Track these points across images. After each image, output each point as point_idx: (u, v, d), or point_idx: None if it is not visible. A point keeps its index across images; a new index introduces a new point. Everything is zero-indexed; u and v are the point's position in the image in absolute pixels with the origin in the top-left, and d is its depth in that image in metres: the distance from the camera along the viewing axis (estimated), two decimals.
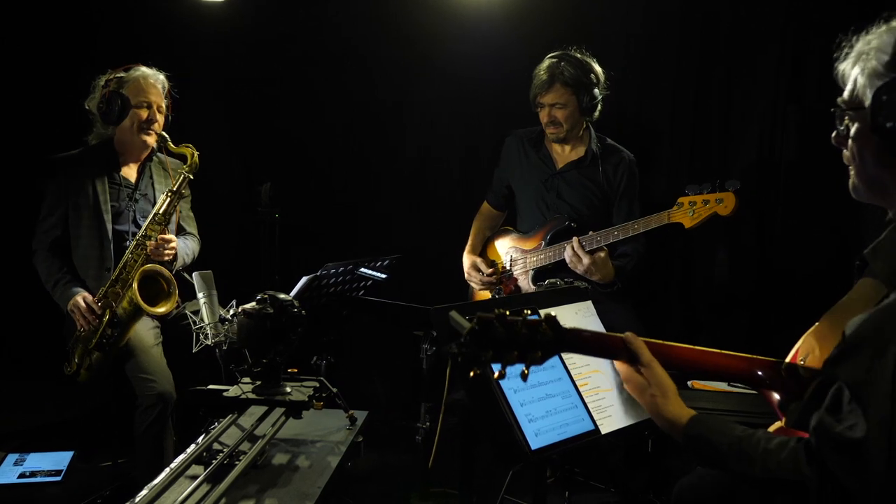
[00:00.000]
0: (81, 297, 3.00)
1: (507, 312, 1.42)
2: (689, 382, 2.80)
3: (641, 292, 3.48)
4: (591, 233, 3.12)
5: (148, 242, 2.99)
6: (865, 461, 1.16)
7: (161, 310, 2.96)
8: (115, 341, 3.00)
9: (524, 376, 1.44)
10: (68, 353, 3.08)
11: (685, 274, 3.96)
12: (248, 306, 2.00)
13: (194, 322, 2.71)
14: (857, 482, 1.17)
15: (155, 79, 3.13)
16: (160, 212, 3.04)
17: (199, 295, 2.78)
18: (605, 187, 3.34)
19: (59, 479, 3.24)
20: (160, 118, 3.12)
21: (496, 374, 1.42)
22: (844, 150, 1.45)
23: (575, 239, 3.09)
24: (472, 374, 1.43)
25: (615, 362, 1.64)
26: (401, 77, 4.21)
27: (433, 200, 4.30)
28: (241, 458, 1.74)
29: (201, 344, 2.66)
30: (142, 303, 2.89)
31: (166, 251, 3.03)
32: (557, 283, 2.36)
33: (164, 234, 3.04)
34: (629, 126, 3.84)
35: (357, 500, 3.09)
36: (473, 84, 4.09)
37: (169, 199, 3.05)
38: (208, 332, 2.66)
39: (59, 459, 3.36)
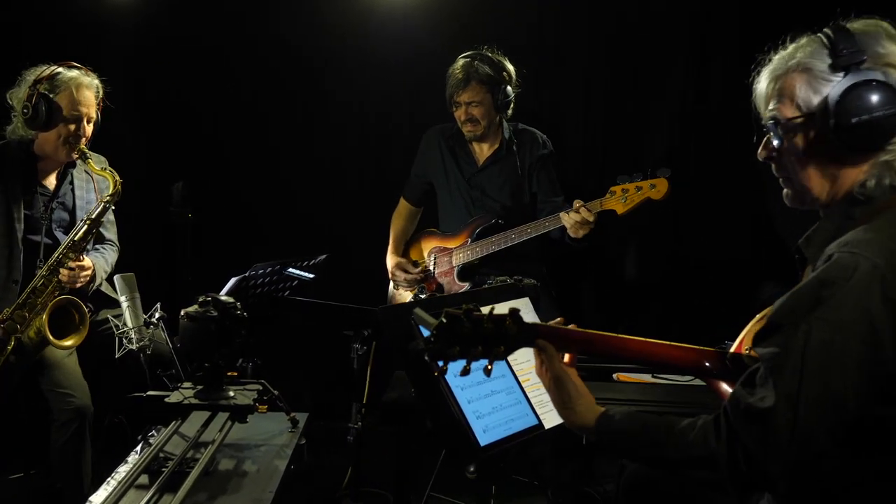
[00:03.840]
0: None
1: (472, 308, 1.43)
2: (614, 375, 2.87)
3: (557, 284, 3.56)
4: (524, 226, 3.17)
5: (61, 270, 2.83)
6: (772, 431, 1.25)
7: (69, 343, 2.80)
8: (17, 369, 2.82)
9: (487, 371, 1.46)
10: None
11: (599, 266, 4.08)
12: (190, 309, 1.93)
13: (117, 326, 2.61)
14: (765, 451, 1.26)
15: (90, 87, 2.93)
16: (76, 239, 2.86)
17: (122, 298, 2.69)
18: (525, 172, 3.41)
19: None
20: (89, 130, 2.95)
21: (461, 371, 1.43)
22: (773, 165, 1.54)
23: (577, 202, 2.99)
24: (436, 373, 1.43)
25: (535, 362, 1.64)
26: (317, 74, 4.15)
27: (349, 200, 4.26)
28: (190, 465, 1.69)
29: (125, 349, 2.57)
30: (50, 336, 2.74)
31: (80, 278, 2.88)
32: (508, 280, 2.40)
33: (80, 260, 2.87)
34: (543, 122, 3.92)
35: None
36: (389, 82, 4.10)
37: (87, 226, 2.88)
38: (132, 336, 2.57)
39: None
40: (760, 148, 1.53)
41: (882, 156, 1.39)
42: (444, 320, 1.38)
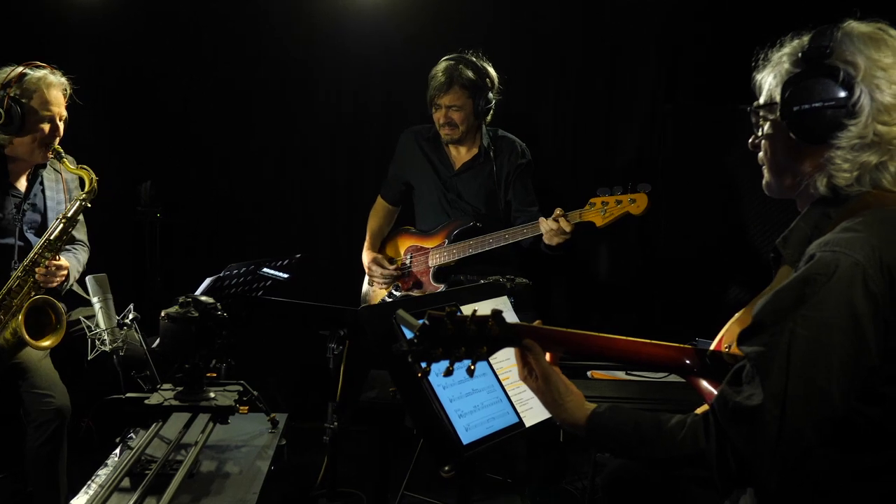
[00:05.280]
0: None
1: (455, 309, 1.44)
2: (588, 373, 2.90)
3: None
4: (502, 231, 3.18)
5: (37, 269, 2.80)
6: (760, 429, 1.27)
7: (46, 343, 2.77)
8: None
9: (471, 372, 1.47)
10: None
11: (571, 267, 4.11)
12: (171, 310, 1.92)
13: (89, 328, 2.58)
14: (753, 449, 1.28)
15: (58, 86, 2.89)
16: (51, 238, 2.83)
17: (94, 299, 2.65)
18: (502, 180, 3.41)
19: None
20: (61, 129, 2.92)
21: (444, 372, 1.44)
22: (759, 153, 1.58)
23: (558, 210, 3.01)
24: (419, 374, 1.44)
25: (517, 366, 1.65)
26: (292, 71, 4.12)
27: (322, 200, 4.23)
28: (173, 468, 1.68)
29: (97, 350, 2.53)
30: (27, 337, 2.70)
31: (58, 277, 2.85)
32: (500, 279, 2.40)
33: (56, 259, 2.85)
34: (515, 126, 3.95)
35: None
36: (361, 82, 4.09)
37: (62, 225, 2.85)
38: (105, 338, 2.54)
39: None
40: (752, 137, 1.59)
41: (830, 150, 1.41)
42: (427, 322, 1.39)
